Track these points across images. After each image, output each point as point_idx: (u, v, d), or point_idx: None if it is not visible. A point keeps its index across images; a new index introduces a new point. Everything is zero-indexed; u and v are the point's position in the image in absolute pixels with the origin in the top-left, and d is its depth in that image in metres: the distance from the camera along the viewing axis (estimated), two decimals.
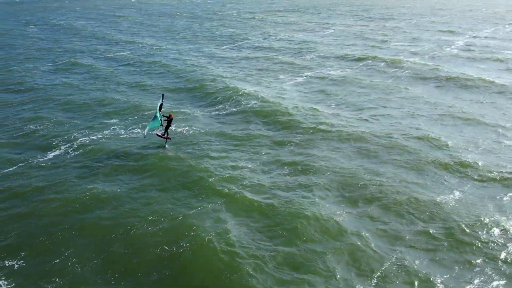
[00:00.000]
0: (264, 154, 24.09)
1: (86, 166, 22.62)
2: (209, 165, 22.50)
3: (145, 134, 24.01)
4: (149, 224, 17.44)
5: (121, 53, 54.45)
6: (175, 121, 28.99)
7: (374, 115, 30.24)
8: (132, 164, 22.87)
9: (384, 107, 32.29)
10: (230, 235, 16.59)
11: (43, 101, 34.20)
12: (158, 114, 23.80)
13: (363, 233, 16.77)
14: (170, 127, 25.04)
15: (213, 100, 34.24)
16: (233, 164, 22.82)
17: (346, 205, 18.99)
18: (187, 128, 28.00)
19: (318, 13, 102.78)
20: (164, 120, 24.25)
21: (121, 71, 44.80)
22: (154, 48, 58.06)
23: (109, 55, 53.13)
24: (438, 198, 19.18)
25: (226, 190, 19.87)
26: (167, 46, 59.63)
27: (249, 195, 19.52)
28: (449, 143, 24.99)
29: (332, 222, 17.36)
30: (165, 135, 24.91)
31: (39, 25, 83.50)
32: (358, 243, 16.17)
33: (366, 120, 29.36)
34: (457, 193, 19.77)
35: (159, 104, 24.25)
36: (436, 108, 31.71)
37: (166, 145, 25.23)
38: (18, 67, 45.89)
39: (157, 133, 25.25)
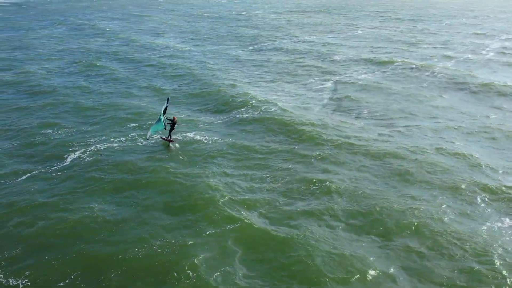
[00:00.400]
0: (284, 170, 22.15)
1: (96, 179, 21.29)
2: (223, 183, 20.77)
3: (148, 136, 24.55)
4: (152, 251, 15.96)
5: (144, 55, 53.43)
6: (195, 127, 27.87)
7: (406, 126, 28.17)
8: (143, 178, 21.41)
9: (416, 117, 30.14)
10: (238, 274, 14.74)
11: (61, 105, 33.24)
12: (162, 117, 23.97)
13: (394, 271, 14.84)
14: (188, 134, 24.04)
15: (234, 108, 32.48)
16: (250, 183, 20.94)
17: (375, 235, 17.02)
18: (206, 137, 26.50)
19: (345, 14, 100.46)
20: (168, 123, 24.56)
21: (143, 74, 43.69)
22: (177, 49, 56.94)
23: (131, 57, 52.15)
24: (483, 228, 17.08)
25: (240, 215, 18.00)
26: (191, 48, 58.48)
27: (265, 222, 17.68)
28: (490, 162, 22.80)
29: (358, 259, 15.40)
30: (169, 138, 25.26)
31: (66, 24, 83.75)
32: (390, 284, 14.27)
33: (397, 132, 27.27)
34: (506, 221, 17.59)
35: (163, 108, 24.46)
36: (472, 120, 29.48)
37: (171, 145, 25.24)
38: (38, 68, 45.21)
39: (161, 136, 25.66)
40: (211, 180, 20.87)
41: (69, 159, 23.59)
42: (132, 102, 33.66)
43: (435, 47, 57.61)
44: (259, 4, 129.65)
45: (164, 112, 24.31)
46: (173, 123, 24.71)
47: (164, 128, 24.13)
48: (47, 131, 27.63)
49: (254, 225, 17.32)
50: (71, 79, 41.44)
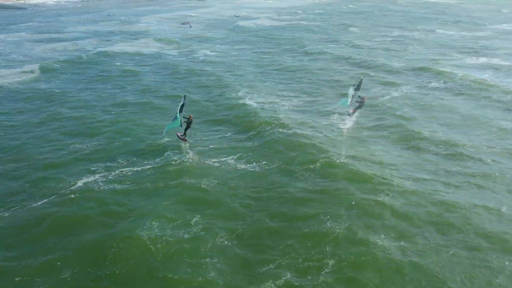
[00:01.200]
0: (326, 231, 16.82)
1: (76, 232, 16.89)
2: (239, 250, 15.72)
3: (164, 133, 24.73)
4: None
5: (183, 60, 50.01)
6: (223, 152, 24.17)
7: (483, 164, 22.53)
8: (131, 241, 16.11)
9: (494, 154, 23.84)
10: None
11: (69, 119, 29.38)
12: (178, 115, 23.85)
13: None
14: (212, 160, 20.35)
15: (269, 130, 27.07)
16: (278, 254, 15.56)
17: None
18: (231, 165, 22.35)
19: (401, 15, 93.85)
20: (184, 121, 24.39)
21: (176, 83, 39.79)
22: (221, 54, 53.37)
23: (169, 61, 48.56)
24: None
25: None
26: (235, 52, 54.76)
27: None
28: None
29: None
30: (183, 136, 25.11)
31: (109, 20, 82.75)
32: None
33: (472, 176, 21.32)
34: None
35: (180, 105, 24.18)
36: None
37: (183, 144, 24.96)
38: (62, 74, 42.61)
39: (177, 133, 25.46)
40: (224, 240, 16.22)
41: (57, 194, 19.52)
42: (155, 118, 29.88)
43: (506, 54, 51.03)
44: (308, 3, 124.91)
45: (181, 110, 23.99)
46: (189, 121, 24.60)
47: (180, 126, 24.12)
48: (72, 148, 24.73)
49: None
50: (90, 86, 38.39)
